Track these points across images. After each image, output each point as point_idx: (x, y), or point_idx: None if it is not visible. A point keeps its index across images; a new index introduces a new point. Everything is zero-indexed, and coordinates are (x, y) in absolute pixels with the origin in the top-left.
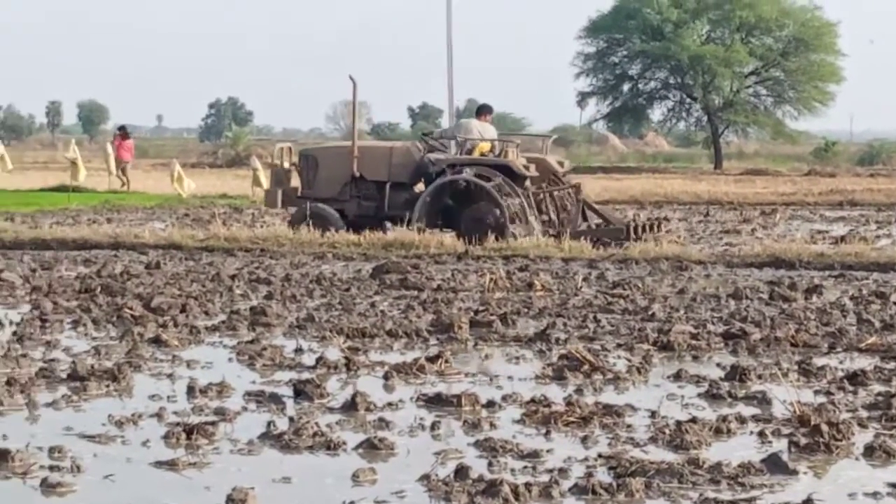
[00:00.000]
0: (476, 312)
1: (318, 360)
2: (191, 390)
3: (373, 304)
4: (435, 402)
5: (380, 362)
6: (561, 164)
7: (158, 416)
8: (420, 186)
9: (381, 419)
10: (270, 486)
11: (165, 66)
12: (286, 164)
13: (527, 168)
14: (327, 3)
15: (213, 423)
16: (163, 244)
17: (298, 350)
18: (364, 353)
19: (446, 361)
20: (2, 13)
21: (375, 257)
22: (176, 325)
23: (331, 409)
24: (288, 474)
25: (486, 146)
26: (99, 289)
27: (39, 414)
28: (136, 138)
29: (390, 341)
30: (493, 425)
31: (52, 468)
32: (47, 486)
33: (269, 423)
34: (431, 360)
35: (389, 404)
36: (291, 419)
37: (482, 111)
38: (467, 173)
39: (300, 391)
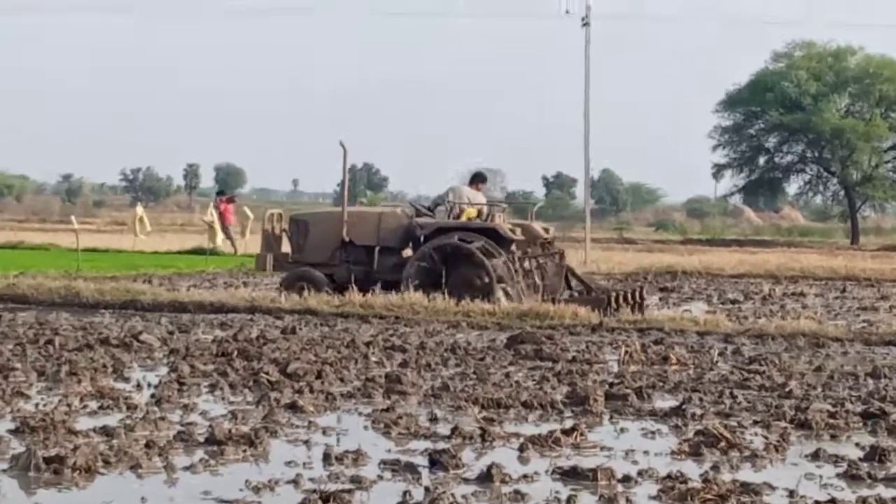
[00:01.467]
0: (611, 385)
1: (454, 429)
2: (327, 457)
3: (507, 375)
4: (570, 475)
5: (515, 433)
6: (546, 230)
7: (295, 482)
8: (408, 251)
9: (516, 491)
10: None
11: (302, 131)
12: (277, 230)
13: (513, 232)
14: (465, 73)
15: (349, 492)
16: (298, 309)
17: (433, 419)
18: (499, 423)
19: (581, 434)
20: (142, 79)
21: (510, 327)
22: (312, 391)
23: (466, 480)
24: None
25: (472, 212)
26: (235, 353)
27: (178, 477)
28: (272, 202)
29: (525, 412)
30: (629, 501)
31: None
32: None
33: (404, 493)
34: (567, 432)
35: (525, 476)
36: (427, 489)
37: (476, 180)
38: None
39: (435, 461)
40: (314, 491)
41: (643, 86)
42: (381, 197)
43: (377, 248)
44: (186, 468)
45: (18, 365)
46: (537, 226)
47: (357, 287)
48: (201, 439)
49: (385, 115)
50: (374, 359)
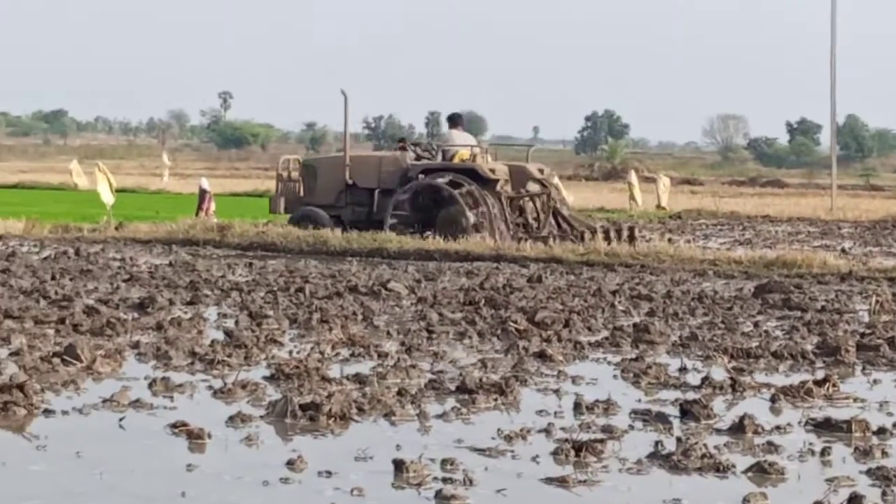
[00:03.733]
0: (862, 335)
1: (704, 379)
2: (577, 406)
3: (756, 324)
4: (824, 426)
5: (766, 384)
6: (541, 171)
7: (546, 431)
8: None
9: (769, 443)
10: None
11: (543, 78)
12: (291, 175)
13: (493, 172)
14: (712, 18)
15: (600, 441)
16: (543, 258)
17: (683, 369)
18: (749, 373)
19: (834, 385)
20: (376, 27)
21: (757, 276)
22: (560, 340)
23: (718, 431)
24: (678, 496)
25: (465, 153)
26: (483, 301)
27: (430, 425)
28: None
29: (776, 362)
30: (884, 453)
31: (445, 480)
32: (442, 498)
33: (656, 443)
34: (819, 383)
35: (777, 428)
36: (679, 439)
37: (453, 121)
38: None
39: (687, 411)
40: (566, 440)
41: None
42: (623, 145)
43: (377, 191)
44: (438, 416)
45: (271, 312)
46: (532, 167)
47: (360, 227)
48: (452, 387)
49: (625, 61)
50: (620, 308)
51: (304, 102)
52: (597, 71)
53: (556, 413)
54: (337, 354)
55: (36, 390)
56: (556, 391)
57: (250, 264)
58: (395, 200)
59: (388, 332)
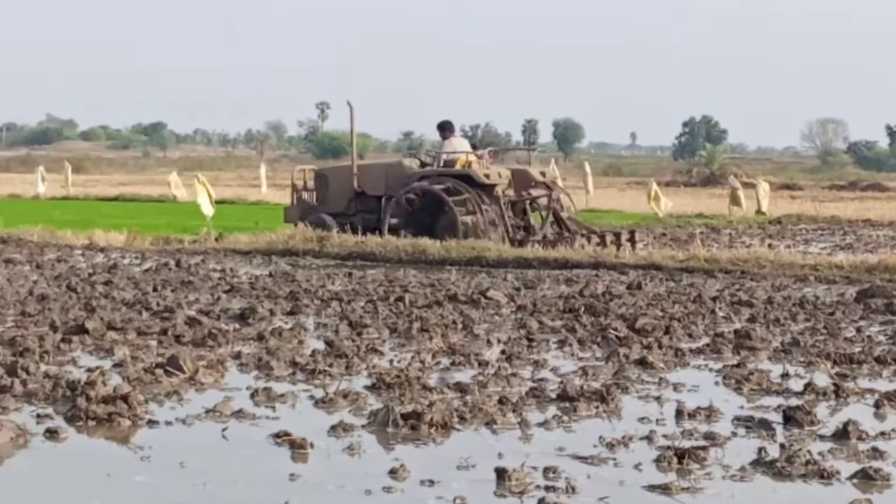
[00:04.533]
0: None
1: (807, 385)
2: (679, 413)
3: (859, 329)
4: None
5: (869, 389)
6: (543, 174)
7: (648, 438)
8: None
9: (874, 448)
10: None
11: (640, 86)
12: (309, 184)
13: (488, 176)
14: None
15: (703, 448)
16: (643, 264)
17: (785, 375)
18: (853, 379)
19: None
20: (471, 38)
21: (859, 280)
22: (660, 347)
23: (821, 437)
24: (782, 503)
25: (465, 159)
26: (582, 309)
27: (532, 433)
28: (610, 156)
29: (879, 368)
30: None
31: (547, 488)
32: None
33: (759, 450)
34: None
35: (882, 433)
36: (782, 446)
37: (446, 129)
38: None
39: (790, 417)
40: (668, 447)
41: None
42: (721, 150)
43: (384, 198)
44: (540, 424)
45: (371, 322)
46: (533, 170)
47: (370, 234)
48: (553, 395)
49: (723, 66)
50: (721, 314)
51: (400, 112)
52: (694, 77)
53: (657, 420)
54: (437, 363)
55: (139, 401)
56: (658, 398)
57: (349, 274)
58: (392, 206)
59: (488, 341)
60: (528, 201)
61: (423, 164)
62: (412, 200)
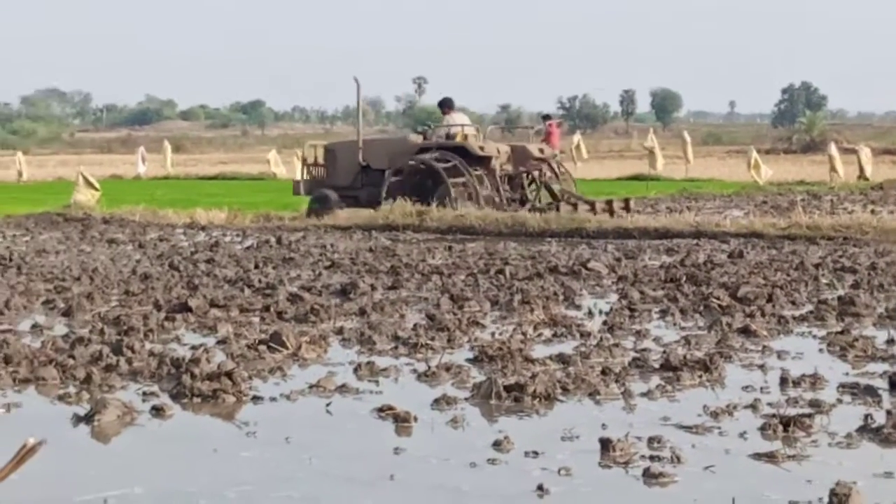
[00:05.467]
0: None
1: None
2: (783, 381)
3: None
4: None
5: None
6: (541, 150)
7: (753, 407)
8: None
9: None
10: (872, 481)
11: (738, 53)
12: (316, 159)
13: (482, 149)
14: None
15: (808, 416)
16: (744, 232)
17: (890, 341)
18: None
19: None
20: (566, 6)
21: None
22: (763, 315)
23: None
24: (889, 469)
25: (462, 132)
26: (684, 278)
27: (635, 403)
28: (709, 125)
29: None
30: None
31: (652, 458)
32: (649, 476)
33: (865, 416)
34: None
35: None
36: (889, 412)
37: (446, 105)
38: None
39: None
40: (773, 415)
41: None
42: (821, 116)
43: (387, 171)
44: (643, 394)
45: (472, 295)
46: (532, 147)
47: (374, 207)
48: (656, 365)
49: (821, 32)
50: (824, 281)
51: (498, 85)
52: (792, 43)
53: (762, 388)
54: (539, 335)
55: (244, 378)
56: (762, 366)
57: (450, 248)
58: (388, 178)
59: (590, 312)
60: (525, 174)
61: (426, 139)
62: (410, 175)
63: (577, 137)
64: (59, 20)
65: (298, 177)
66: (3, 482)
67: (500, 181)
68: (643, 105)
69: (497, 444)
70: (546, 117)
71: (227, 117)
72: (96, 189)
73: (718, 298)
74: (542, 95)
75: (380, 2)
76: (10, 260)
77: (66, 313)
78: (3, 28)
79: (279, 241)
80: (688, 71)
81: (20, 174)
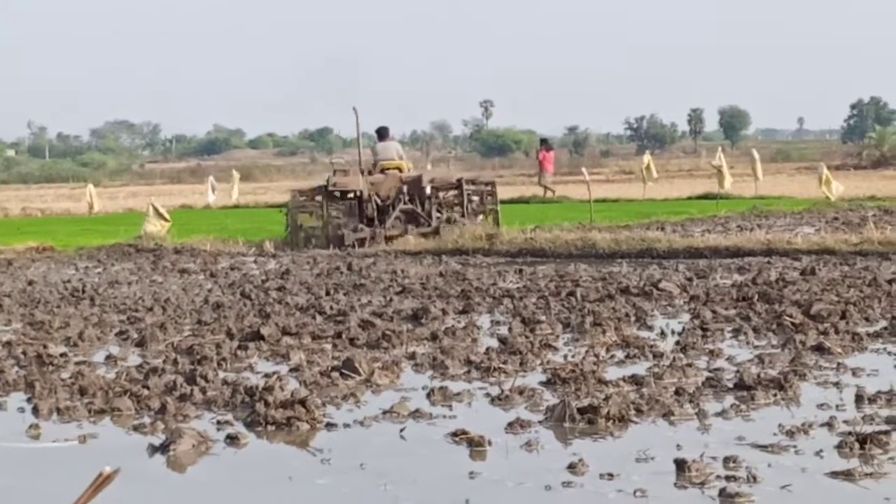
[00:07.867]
0: None
1: None
2: (859, 398)
3: None
4: None
5: None
6: (432, 180)
7: (829, 425)
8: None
9: None
10: None
11: (807, 69)
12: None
13: (346, 185)
14: None
15: (885, 433)
16: (815, 249)
17: None
18: None
19: None
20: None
21: None
22: (837, 332)
23: None
24: None
25: (391, 164)
26: (756, 296)
27: (710, 423)
28: (777, 142)
29: None
30: None
31: (728, 478)
32: (725, 496)
33: None
34: None
35: None
36: None
37: (380, 134)
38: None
39: None
40: (849, 433)
41: None
42: (891, 132)
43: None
44: (718, 414)
45: (543, 317)
46: (426, 176)
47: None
48: (730, 384)
49: (890, 46)
50: None
51: (565, 107)
52: (861, 58)
53: (837, 406)
54: (612, 356)
55: (317, 405)
56: (837, 384)
57: (520, 270)
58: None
59: (662, 332)
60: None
61: (335, 173)
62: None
63: (646, 157)
64: (126, 53)
65: None
66: None
67: (352, 209)
68: (711, 123)
69: (572, 467)
70: (544, 141)
71: (295, 145)
72: (166, 220)
73: (791, 316)
74: (610, 117)
75: (445, 25)
76: (84, 292)
77: (140, 344)
78: (72, 62)
79: (349, 267)
80: (756, 88)
81: (91, 206)
